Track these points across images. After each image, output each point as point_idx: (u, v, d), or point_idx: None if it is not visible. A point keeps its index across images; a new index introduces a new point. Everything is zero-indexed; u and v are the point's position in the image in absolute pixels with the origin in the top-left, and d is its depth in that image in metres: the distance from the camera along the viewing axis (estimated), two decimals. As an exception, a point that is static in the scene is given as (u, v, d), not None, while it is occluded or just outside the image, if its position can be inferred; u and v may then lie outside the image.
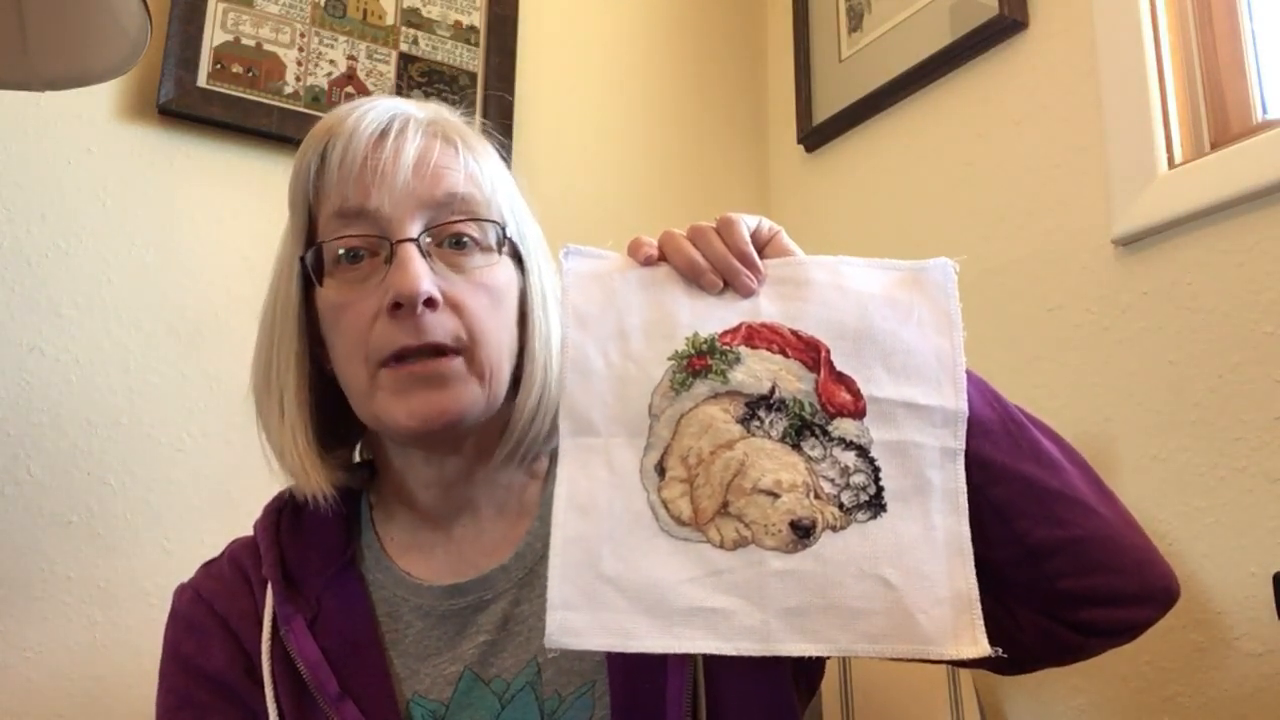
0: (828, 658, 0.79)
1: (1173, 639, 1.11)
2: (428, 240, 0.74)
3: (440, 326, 0.72)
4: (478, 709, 0.73)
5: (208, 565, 0.83)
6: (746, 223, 0.69)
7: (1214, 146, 1.19)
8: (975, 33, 1.43)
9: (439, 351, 0.73)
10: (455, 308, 0.73)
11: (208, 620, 0.78)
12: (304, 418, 0.77)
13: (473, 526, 0.80)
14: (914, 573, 0.63)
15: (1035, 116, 1.37)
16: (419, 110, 0.79)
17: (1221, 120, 1.20)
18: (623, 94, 1.76)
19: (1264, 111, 1.18)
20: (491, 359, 0.75)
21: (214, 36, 1.40)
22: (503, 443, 0.79)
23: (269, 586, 0.76)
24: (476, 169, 0.78)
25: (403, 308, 0.71)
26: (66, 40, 1.04)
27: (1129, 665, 1.15)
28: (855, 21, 1.68)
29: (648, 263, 0.69)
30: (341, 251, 0.74)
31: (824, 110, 1.71)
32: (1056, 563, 0.67)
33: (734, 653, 0.62)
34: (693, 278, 0.67)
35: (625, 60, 1.78)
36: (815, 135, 1.73)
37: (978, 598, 0.63)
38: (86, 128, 1.33)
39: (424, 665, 0.75)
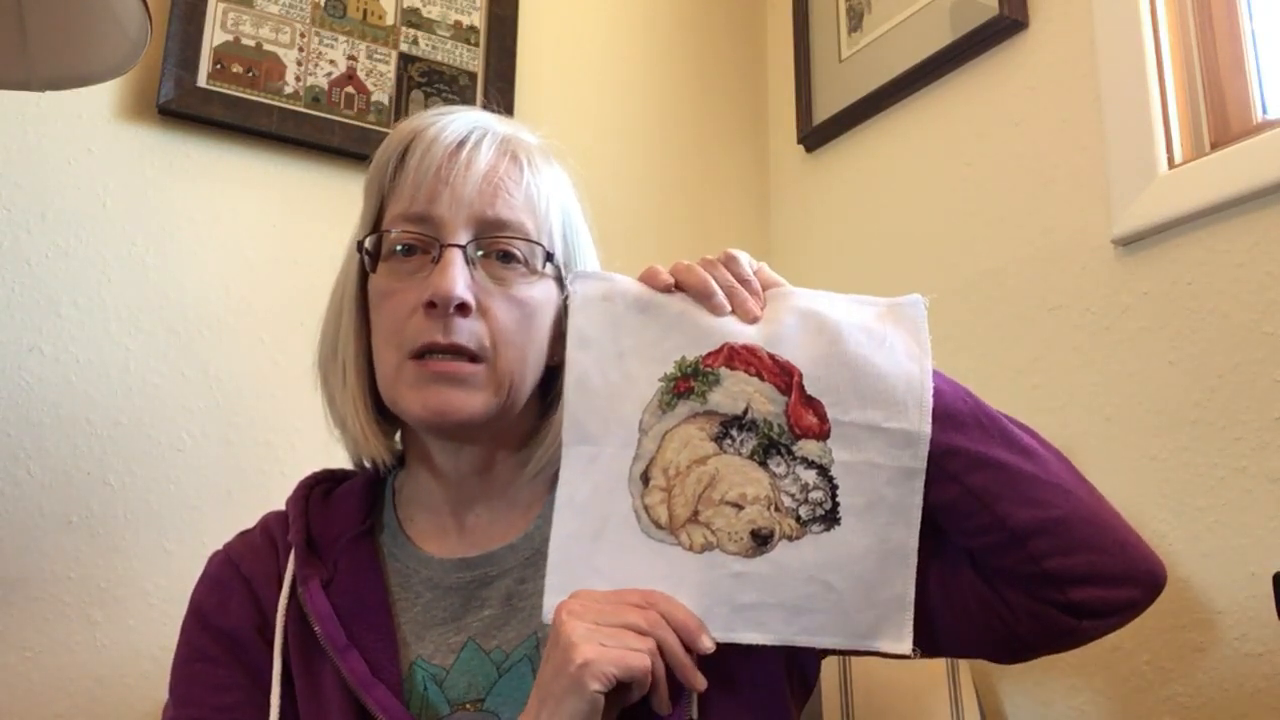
0: (822, 658, 0.84)
1: (1173, 639, 1.11)
2: (476, 250, 0.79)
3: (468, 331, 0.78)
4: (475, 675, 0.77)
5: (243, 533, 0.88)
6: (741, 257, 0.77)
7: (1214, 146, 1.19)
8: (975, 33, 1.43)
9: (461, 353, 0.77)
10: (486, 316, 0.78)
11: (232, 579, 0.83)
12: (363, 388, 0.84)
13: (485, 516, 0.85)
14: (857, 578, 0.71)
15: (1035, 116, 1.37)
16: (499, 125, 0.85)
17: (1221, 120, 1.20)
18: (623, 94, 1.76)
19: (1264, 111, 1.18)
20: (512, 370, 0.80)
21: (214, 36, 1.40)
22: (535, 460, 0.84)
23: (293, 551, 0.81)
24: (535, 191, 0.83)
25: (437, 308, 0.77)
26: (66, 40, 1.04)
27: (1129, 665, 1.15)
28: (855, 21, 1.68)
29: (666, 291, 0.75)
30: (398, 246, 0.81)
31: (824, 110, 1.71)
32: (1040, 543, 0.71)
33: None
34: (704, 299, 0.74)
35: (625, 60, 1.78)
36: (815, 135, 1.73)
37: (912, 601, 0.72)
38: (86, 128, 1.33)
39: (430, 633, 0.79)
